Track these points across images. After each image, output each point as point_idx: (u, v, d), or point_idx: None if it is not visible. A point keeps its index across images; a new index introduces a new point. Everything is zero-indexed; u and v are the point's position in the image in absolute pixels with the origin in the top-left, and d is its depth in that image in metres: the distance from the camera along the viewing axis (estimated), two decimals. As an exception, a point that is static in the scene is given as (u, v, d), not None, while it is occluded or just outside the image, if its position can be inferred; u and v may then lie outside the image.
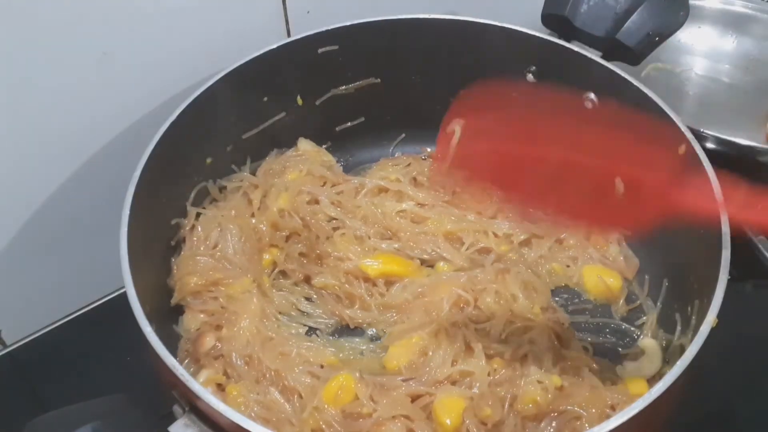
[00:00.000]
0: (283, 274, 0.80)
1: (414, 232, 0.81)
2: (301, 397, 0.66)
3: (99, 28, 0.70)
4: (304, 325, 0.76)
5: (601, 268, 0.80)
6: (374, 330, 0.76)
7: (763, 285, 0.84)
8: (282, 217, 0.80)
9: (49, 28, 0.67)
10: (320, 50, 0.83)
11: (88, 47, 0.70)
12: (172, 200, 0.77)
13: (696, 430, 0.75)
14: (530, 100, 0.66)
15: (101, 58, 0.72)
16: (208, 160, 0.81)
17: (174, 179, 0.76)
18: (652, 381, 0.68)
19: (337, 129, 0.92)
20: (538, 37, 0.82)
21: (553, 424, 0.64)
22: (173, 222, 0.77)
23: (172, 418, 0.56)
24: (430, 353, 0.70)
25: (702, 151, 0.69)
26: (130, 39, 0.73)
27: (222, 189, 0.83)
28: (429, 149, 0.93)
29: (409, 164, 0.89)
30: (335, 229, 0.81)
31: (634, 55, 0.79)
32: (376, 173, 0.88)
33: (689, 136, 0.71)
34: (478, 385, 0.66)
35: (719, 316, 0.59)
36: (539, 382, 0.65)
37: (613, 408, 0.63)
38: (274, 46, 0.80)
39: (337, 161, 0.91)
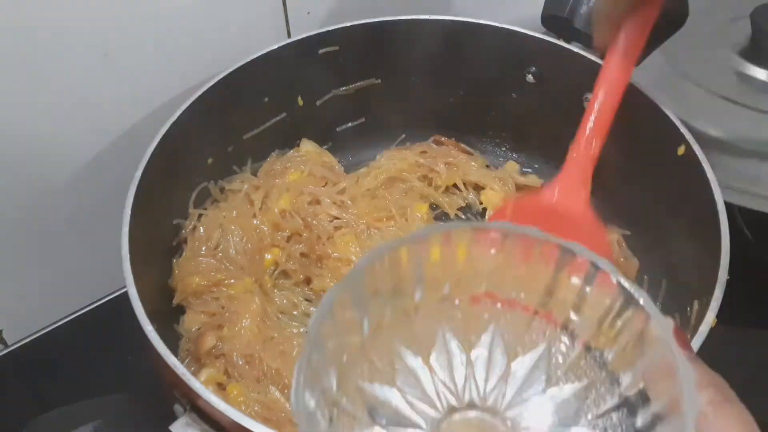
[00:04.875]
0: (285, 274, 0.80)
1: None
2: (301, 396, 0.66)
3: (99, 30, 0.70)
4: (306, 325, 0.76)
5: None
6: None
7: (762, 286, 0.84)
8: (283, 218, 0.81)
9: (49, 29, 0.67)
10: (321, 51, 0.83)
11: (89, 49, 0.71)
12: (173, 200, 0.77)
13: (695, 430, 0.75)
14: None
15: (102, 59, 0.72)
16: (209, 161, 0.81)
17: (175, 179, 0.76)
18: (651, 381, 0.68)
19: (337, 129, 0.92)
20: (538, 38, 0.82)
21: None
22: (174, 222, 0.77)
23: (173, 417, 0.56)
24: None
25: (701, 151, 0.70)
26: (131, 40, 0.73)
27: (223, 189, 0.83)
28: (429, 150, 0.94)
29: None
30: (337, 228, 0.82)
31: (633, 57, 0.79)
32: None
33: (688, 137, 0.71)
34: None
35: (718, 316, 0.59)
36: None
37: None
38: (275, 47, 0.80)
39: (338, 161, 0.91)
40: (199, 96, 0.75)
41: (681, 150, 0.71)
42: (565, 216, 0.69)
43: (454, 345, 0.42)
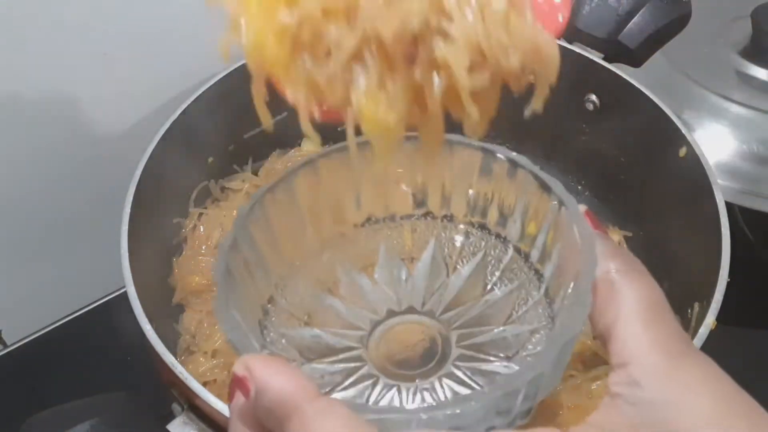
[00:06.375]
0: (285, 273, 0.80)
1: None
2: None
3: (99, 29, 0.70)
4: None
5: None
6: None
7: (763, 286, 0.84)
8: (283, 217, 0.81)
9: (49, 28, 0.67)
10: (322, 50, 0.83)
11: (89, 48, 0.71)
12: (173, 199, 0.77)
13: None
14: None
15: (102, 59, 0.72)
16: (210, 160, 0.81)
17: (175, 178, 0.76)
18: (651, 382, 0.68)
19: (339, 129, 0.91)
20: (539, 39, 0.82)
21: None
22: (174, 221, 0.77)
23: (171, 417, 0.56)
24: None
25: (702, 153, 0.70)
26: (131, 40, 0.73)
27: (224, 189, 0.83)
28: (430, 150, 0.93)
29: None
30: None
31: (635, 57, 0.79)
32: None
33: (690, 138, 0.71)
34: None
35: (718, 317, 0.59)
36: None
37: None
38: (276, 46, 0.79)
39: (339, 161, 0.91)
40: (199, 95, 0.75)
41: (682, 152, 0.71)
42: None
43: (396, 261, 0.46)
